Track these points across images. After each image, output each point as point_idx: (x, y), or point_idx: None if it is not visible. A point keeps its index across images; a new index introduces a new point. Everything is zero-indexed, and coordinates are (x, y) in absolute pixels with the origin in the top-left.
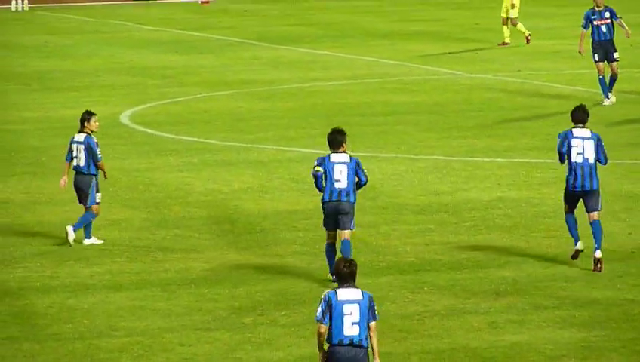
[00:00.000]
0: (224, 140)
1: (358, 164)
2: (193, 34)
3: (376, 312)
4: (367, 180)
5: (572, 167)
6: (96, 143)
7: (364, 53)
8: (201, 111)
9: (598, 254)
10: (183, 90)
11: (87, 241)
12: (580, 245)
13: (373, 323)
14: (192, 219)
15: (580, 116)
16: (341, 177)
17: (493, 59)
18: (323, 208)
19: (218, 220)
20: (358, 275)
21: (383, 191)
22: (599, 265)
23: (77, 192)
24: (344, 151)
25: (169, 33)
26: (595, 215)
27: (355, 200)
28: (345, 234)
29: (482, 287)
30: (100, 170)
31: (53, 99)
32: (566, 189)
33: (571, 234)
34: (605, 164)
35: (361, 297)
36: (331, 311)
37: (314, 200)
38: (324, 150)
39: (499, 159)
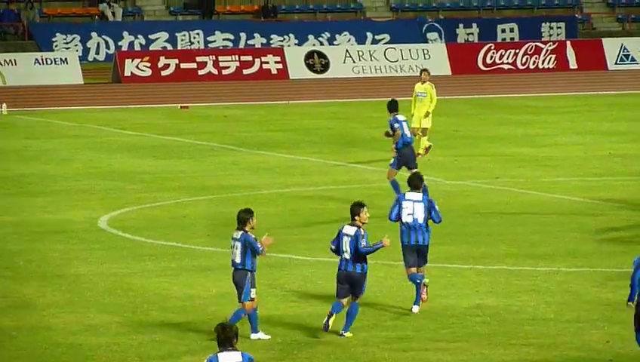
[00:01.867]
0: (203, 245)
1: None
2: (173, 139)
3: None
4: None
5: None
6: (255, 239)
7: (343, 159)
8: (179, 216)
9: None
10: (161, 195)
11: (253, 336)
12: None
13: None
14: (169, 324)
15: (414, 182)
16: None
17: (471, 166)
18: None
19: (196, 326)
20: None
21: (362, 297)
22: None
23: (235, 287)
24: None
25: (148, 138)
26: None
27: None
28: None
29: None
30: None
31: (32, 203)
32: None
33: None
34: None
35: (240, 359)
36: None
37: (292, 306)
38: (305, 256)
39: (477, 266)
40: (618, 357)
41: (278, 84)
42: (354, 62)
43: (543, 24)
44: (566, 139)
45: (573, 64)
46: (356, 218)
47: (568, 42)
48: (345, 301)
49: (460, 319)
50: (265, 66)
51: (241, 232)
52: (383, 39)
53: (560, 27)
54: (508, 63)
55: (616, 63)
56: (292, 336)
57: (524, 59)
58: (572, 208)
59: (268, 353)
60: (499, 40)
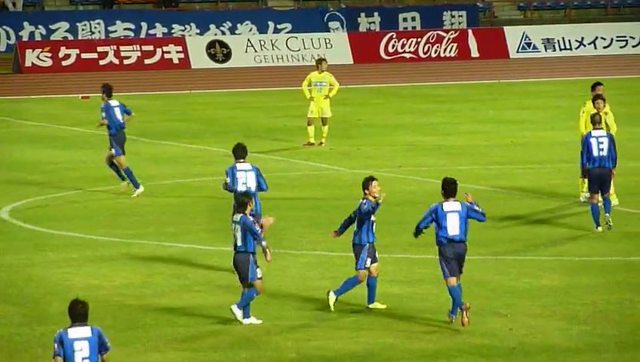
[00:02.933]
0: (105, 236)
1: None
2: (74, 129)
3: (107, 344)
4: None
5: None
6: (253, 222)
7: None
8: (81, 207)
9: None
10: (63, 185)
11: (246, 321)
12: None
13: (105, 355)
14: None
15: (239, 153)
16: None
17: (375, 155)
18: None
19: (99, 316)
20: None
21: (266, 286)
22: None
23: (236, 271)
24: None
25: (49, 128)
26: None
27: None
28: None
29: None
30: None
31: None
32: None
33: None
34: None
35: (90, 333)
36: (64, 348)
37: (195, 296)
38: (208, 246)
39: (381, 255)
40: (522, 344)
41: (179, 73)
42: (256, 51)
43: (445, 13)
44: (468, 128)
45: (475, 53)
46: (366, 191)
47: (470, 31)
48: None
49: (363, 307)
50: (166, 56)
51: (240, 215)
52: (284, 28)
53: (461, 16)
54: (410, 52)
55: (517, 52)
56: (196, 326)
57: (425, 48)
58: (475, 196)
59: (171, 344)
60: (401, 29)
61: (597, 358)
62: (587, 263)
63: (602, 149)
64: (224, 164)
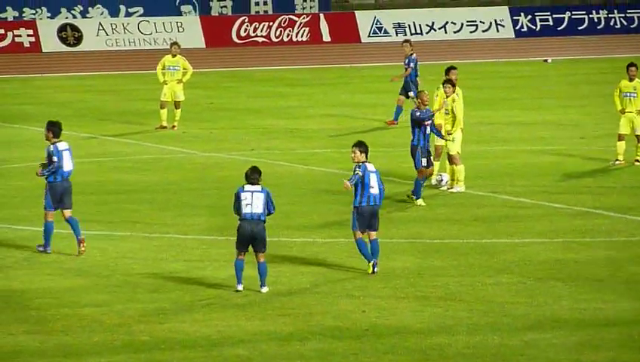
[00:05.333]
0: None
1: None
2: None
3: None
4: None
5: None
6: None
7: (97, 132)
8: None
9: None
10: None
11: (264, 289)
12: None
13: None
14: None
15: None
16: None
17: (227, 139)
18: None
19: None
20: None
21: (117, 269)
22: None
23: (252, 240)
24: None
25: None
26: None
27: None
28: None
29: None
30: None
31: None
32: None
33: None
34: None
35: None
36: None
37: (45, 279)
38: (57, 229)
39: (233, 237)
40: (374, 326)
41: (31, 57)
42: (107, 35)
43: None
44: (320, 111)
45: (326, 37)
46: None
47: (322, 15)
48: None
49: (217, 290)
50: (17, 40)
51: (260, 186)
52: (136, 12)
53: (313, 0)
54: (262, 36)
55: (369, 36)
56: (47, 309)
57: (278, 32)
58: (327, 180)
59: (21, 326)
60: (253, 13)
61: (449, 340)
62: (439, 246)
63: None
64: (76, 147)
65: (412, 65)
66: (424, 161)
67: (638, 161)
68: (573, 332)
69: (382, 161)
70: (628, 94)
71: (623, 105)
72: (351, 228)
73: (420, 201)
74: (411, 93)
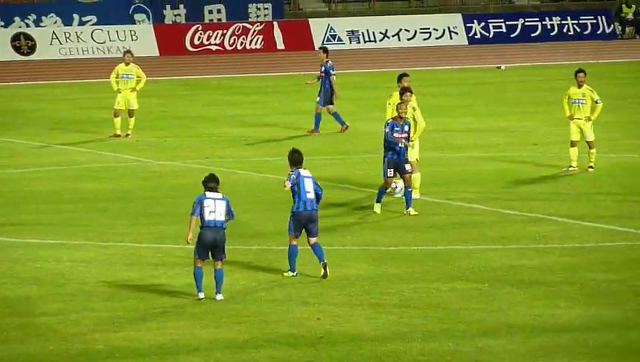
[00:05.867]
0: None
1: None
2: None
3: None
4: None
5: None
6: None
7: (51, 141)
8: None
9: None
10: None
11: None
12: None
13: None
14: None
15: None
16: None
17: (181, 147)
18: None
19: None
20: None
21: (72, 278)
22: None
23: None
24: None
25: None
26: None
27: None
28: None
29: None
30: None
31: None
32: None
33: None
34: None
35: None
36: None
37: (1, 288)
38: (12, 238)
39: (187, 246)
40: (329, 334)
41: None
42: (61, 43)
43: (250, 5)
44: (274, 119)
45: (280, 45)
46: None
47: (275, 23)
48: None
49: (172, 299)
50: None
51: (221, 194)
52: (90, 21)
53: (267, 8)
54: (216, 44)
55: (323, 44)
56: (2, 319)
57: (231, 40)
58: (280, 187)
59: None
60: (206, 21)
61: (403, 347)
62: (394, 252)
63: None
64: (31, 155)
65: (330, 71)
66: (389, 172)
67: (591, 167)
68: (527, 339)
69: (338, 168)
70: (577, 101)
71: (572, 111)
72: (287, 231)
73: (377, 207)
74: (331, 106)
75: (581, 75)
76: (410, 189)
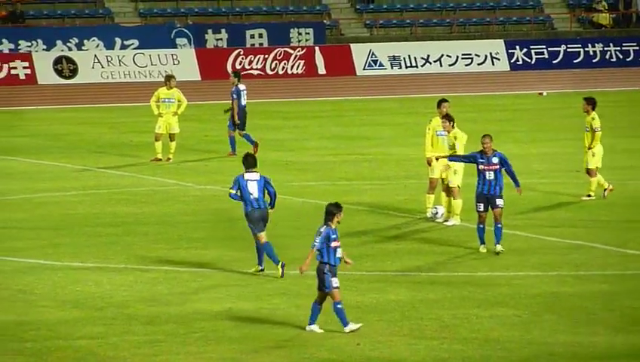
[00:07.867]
0: None
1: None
2: None
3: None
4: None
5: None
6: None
7: (92, 164)
8: None
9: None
10: None
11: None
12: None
13: None
14: None
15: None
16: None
17: (222, 171)
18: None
19: None
20: None
21: (112, 301)
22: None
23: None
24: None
25: None
26: None
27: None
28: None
29: None
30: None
31: None
32: None
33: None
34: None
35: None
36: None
37: (42, 311)
38: (52, 261)
39: (229, 270)
40: (368, 360)
41: (26, 89)
42: (102, 67)
43: (292, 30)
44: (315, 144)
45: (322, 70)
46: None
47: (317, 48)
48: None
49: (211, 323)
50: (13, 72)
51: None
52: (131, 44)
53: (309, 33)
54: (257, 69)
55: (364, 69)
56: (43, 342)
57: (273, 65)
58: (319, 212)
59: (17, 358)
60: (248, 46)
61: None
62: (433, 278)
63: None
64: (71, 179)
65: (233, 96)
66: (480, 206)
67: (590, 195)
68: None
69: (378, 193)
70: (586, 129)
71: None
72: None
73: (482, 248)
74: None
75: (583, 103)
76: (500, 225)
